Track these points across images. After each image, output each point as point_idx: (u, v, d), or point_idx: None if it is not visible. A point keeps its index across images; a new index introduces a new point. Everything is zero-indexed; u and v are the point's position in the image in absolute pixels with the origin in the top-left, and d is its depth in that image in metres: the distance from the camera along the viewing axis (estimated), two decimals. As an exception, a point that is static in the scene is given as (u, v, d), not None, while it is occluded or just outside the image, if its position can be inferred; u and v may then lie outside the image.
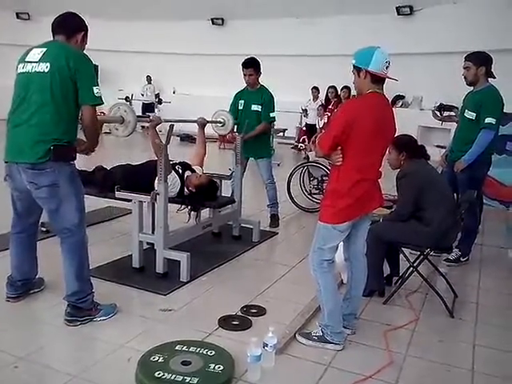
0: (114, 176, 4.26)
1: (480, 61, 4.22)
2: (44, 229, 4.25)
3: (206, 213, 4.66)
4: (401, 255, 3.77)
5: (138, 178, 4.10)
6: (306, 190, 6.66)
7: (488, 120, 4.12)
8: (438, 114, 8.74)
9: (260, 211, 5.56)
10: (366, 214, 2.96)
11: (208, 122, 4.92)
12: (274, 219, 5.53)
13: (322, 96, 11.93)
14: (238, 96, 5.49)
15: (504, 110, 4.35)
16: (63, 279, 3.09)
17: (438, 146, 8.73)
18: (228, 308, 3.34)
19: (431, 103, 12.46)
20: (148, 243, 4.04)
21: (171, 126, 3.65)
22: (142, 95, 15.81)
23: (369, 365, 2.76)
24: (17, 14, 16.62)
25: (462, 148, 4.32)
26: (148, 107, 15.60)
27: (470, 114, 4.25)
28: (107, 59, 15.45)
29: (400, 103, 13.04)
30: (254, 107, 5.32)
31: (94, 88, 2.87)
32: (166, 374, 2.46)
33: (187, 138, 12.91)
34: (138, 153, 9.62)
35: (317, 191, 6.52)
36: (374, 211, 3.09)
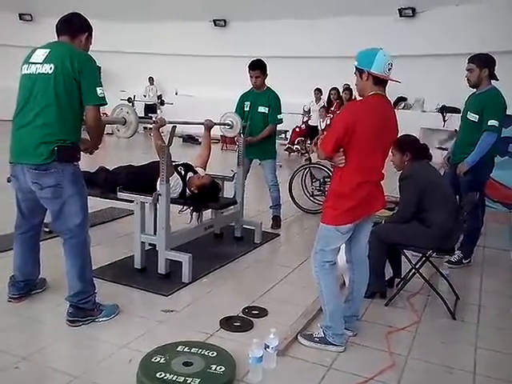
0: (117, 177, 4.27)
1: (483, 63, 4.21)
2: (47, 229, 4.26)
3: (208, 214, 4.66)
4: (402, 257, 3.77)
5: (141, 179, 4.10)
6: (307, 192, 6.66)
7: (491, 122, 4.11)
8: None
9: (262, 212, 5.56)
10: (368, 216, 2.96)
11: (215, 124, 4.90)
12: (276, 221, 5.53)
13: (324, 98, 11.93)
14: (244, 97, 5.45)
15: (507, 112, 4.35)
16: (65, 279, 3.10)
17: (439, 148, 8.73)
18: (230, 309, 3.34)
19: (433, 105, 12.49)
20: (150, 244, 4.04)
21: (173, 128, 3.66)
22: (145, 96, 15.84)
23: (370, 366, 2.76)
24: (20, 15, 16.66)
25: (464, 150, 4.31)
26: (150, 108, 15.62)
27: (473, 116, 4.24)
28: (110, 60, 15.46)
29: (402, 105, 13.04)
30: (261, 109, 5.29)
31: (98, 89, 2.88)
32: (167, 375, 2.45)
33: (189, 139, 12.93)
34: (140, 154, 9.65)
35: (319, 193, 6.51)
36: (376, 213, 3.09)
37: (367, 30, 11.79)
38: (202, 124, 4.86)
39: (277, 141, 5.84)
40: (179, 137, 12.67)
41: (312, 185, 6.59)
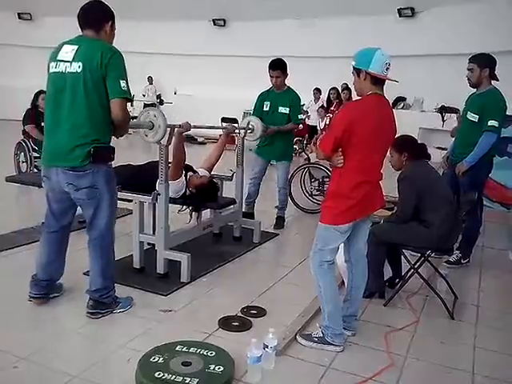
0: (117, 175, 4.25)
1: (484, 62, 4.21)
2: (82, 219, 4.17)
3: (207, 214, 4.66)
4: (402, 257, 3.77)
5: (140, 179, 4.10)
6: (306, 191, 6.66)
7: (491, 123, 4.11)
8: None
9: (261, 212, 5.56)
10: (367, 216, 2.96)
11: (236, 128, 4.88)
12: (280, 221, 5.54)
13: (323, 97, 11.93)
14: (264, 97, 5.39)
15: (506, 113, 4.35)
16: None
17: (438, 148, 8.73)
18: (228, 309, 3.34)
19: (432, 105, 12.49)
20: (149, 243, 4.03)
21: (172, 128, 3.65)
22: (144, 96, 15.82)
23: (369, 366, 2.76)
24: (19, 14, 16.64)
25: (463, 150, 4.31)
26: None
27: (473, 116, 4.24)
28: (109, 59, 15.46)
29: (401, 105, 13.04)
30: (282, 109, 5.24)
31: (121, 81, 2.84)
32: (166, 375, 2.45)
33: (190, 139, 12.92)
34: (139, 153, 9.64)
35: (318, 192, 6.52)
36: (374, 212, 3.09)
37: (366, 29, 11.79)
38: (224, 129, 4.82)
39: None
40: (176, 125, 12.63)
41: (311, 184, 6.59)
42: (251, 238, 4.89)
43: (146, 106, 15.65)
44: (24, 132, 6.52)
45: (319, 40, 13.24)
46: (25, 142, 6.52)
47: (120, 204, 4.14)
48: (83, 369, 2.59)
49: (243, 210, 5.13)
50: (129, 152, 10.41)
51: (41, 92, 6.49)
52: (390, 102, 3.05)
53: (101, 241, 3.11)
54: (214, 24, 15.72)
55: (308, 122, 11.99)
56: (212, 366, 2.55)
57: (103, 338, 2.97)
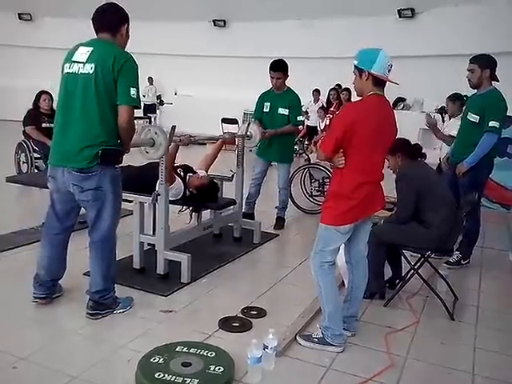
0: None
1: (485, 63, 4.21)
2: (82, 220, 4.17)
3: (207, 214, 4.66)
4: (402, 258, 3.77)
5: (140, 180, 4.09)
6: (307, 192, 6.67)
7: (492, 123, 4.11)
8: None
9: (261, 213, 5.56)
10: (367, 217, 2.96)
11: (236, 136, 4.87)
12: (280, 222, 5.54)
13: (322, 98, 11.93)
14: (264, 98, 5.38)
15: (507, 113, 4.35)
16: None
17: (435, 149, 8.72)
18: (228, 309, 3.34)
19: (432, 106, 12.49)
20: (149, 244, 4.04)
21: (173, 127, 3.65)
22: (144, 96, 15.80)
23: (369, 367, 2.76)
24: (19, 14, 16.65)
25: (464, 151, 4.31)
26: (149, 108, 15.63)
27: (473, 117, 4.24)
28: (109, 60, 15.46)
29: (401, 106, 13.04)
30: (281, 110, 5.23)
31: (131, 89, 2.85)
32: (166, 376, 2.45)
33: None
34: (139, 155, 9.63)
35: (318, 193, 6.52)
36: (375, 213, 3.09)
37: (366, 30, 11.78)
38: (223, 138, 4.83)
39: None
40: (178, 136, 12.64)
41: (311, 185, 6.59)
42: (251, 239, 4.89)
43: (146, 106, 15.71)
44: (24, 133, 6.52)
45: (319, 41, 13.25)
46: (25, 143, 6.52)
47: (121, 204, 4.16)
48: (83, 369, 2.59)
49: (243, 210, 5.13)
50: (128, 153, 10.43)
51: (42, 92, 6.49)
52: (391, 102, 3.04)
53: (103, 243, 3.10)
54: (215, 25, 15.72)
55: (308, 122, 11.99)
56: (212, 367, 2.55)
57: (103, 339, 2.97)
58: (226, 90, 14.48)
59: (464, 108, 4.53)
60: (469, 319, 3.51)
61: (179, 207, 4.24)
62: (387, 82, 2.79)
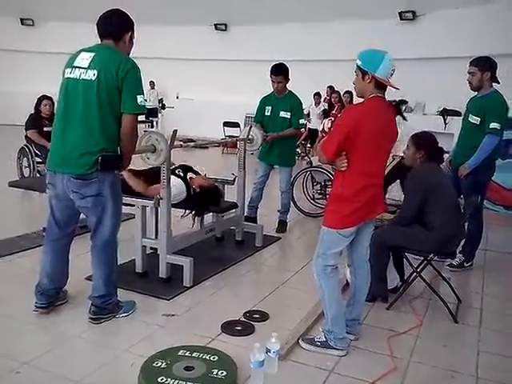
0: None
1: (485, 66, 4.21)
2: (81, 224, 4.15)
3: (209, 218, 4.66)
4: (404, 260, 3.76)
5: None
6: (308, 195, 6.67)
7: (493, 125, 4.11)
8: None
9: (263, 216, 5.56)
10: (370, 220, 2.95)
11: (237, 140, 4.87)
12: (282, 225, 5.54)
13: (323, 101, 11.96)
14: (266, 101, 5.39)
15: (508, 115, 4.34)
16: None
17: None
18: (231, 313, 3.34)
19: (434, 108, 12.50)
20: (151, 248, 4.04)
21: (175, 131, 3.66)
22: (146, 100, 15.85)
23: (372, 371, 2.75)
24: (21, 19, 16.71)
25: (465, 153, 4.31)
26: (151, 112, 15.65)
27: (474, 119, 4.24)
28: (111, 64, 15.49)
29: (403, 108, 13.00)
30: (283, 114, 5.24)
31: (139, 97, 2.85)
32: (168, 380, 2.45)
33: (189, 142, 12.96)
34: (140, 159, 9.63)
35: (320, 196, 6.52)
36: (377, 216, 3.09)
37: (368, 33, 11.78)
38: (222, 142, 4.81)
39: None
40: (179, 140, 12.68)
41: (313, 188, 6.59)
42: (253, 242, 4.89)
43: (148, 110, 15.74)
44: (26, 137, 6.54)
45: (321, 44, 13.26)
46: (27, 147, 6.54)
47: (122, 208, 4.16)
48: (86, 374, 2.59)
49: (246, 214, 5.13)
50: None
51: (43, 97, 6.51)
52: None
53: (105, 248, 3.10)
54: (216, 28, 15.76)
55: (309, 125, 12.01)
56: (215, 371, 2.54)
57: (106, 343, 2.97)
58: (228, 93, 14.51)
59: (465, 110, 4.52)
60: (472, 322, 3.50)
61: (181, 211, 4.23)
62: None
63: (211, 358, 2.66)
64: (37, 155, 6.47)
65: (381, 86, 2.76)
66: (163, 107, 15.98)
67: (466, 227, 3.99)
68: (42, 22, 16.58)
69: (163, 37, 15.22)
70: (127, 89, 2.82)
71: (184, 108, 15.52)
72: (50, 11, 15.44)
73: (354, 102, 8.64)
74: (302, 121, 5.37)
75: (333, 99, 11.21)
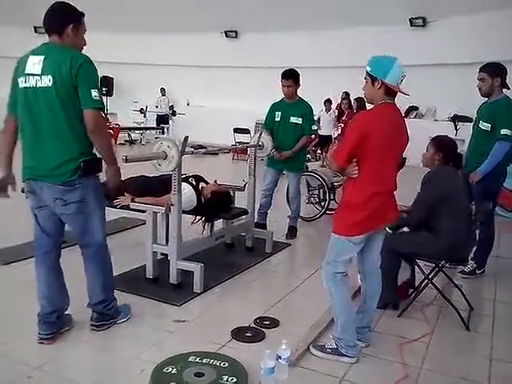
0: (128, 187, 4.29)
1: (496, 72, 4.19)
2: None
3: (219, 224, 4.66)
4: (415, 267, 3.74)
5: (153, 190, 4.13)
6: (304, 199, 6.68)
7: (504, 131, 4.08)
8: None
9: (273, 222, 5.56)
10: (381, 227, 2.93)
11: (248, 146, 4.88)
12: (293, 231, 5.53)
13: (334, 107, 11.95)
14: (275, 107, 5.39)
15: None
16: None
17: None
18: (241, 319, 3.34)
19: (445, 114, 12.46)
20: (162, 254, 4.05)
21: (186, 138, 3.68)
22: (157, 107, 15.99)
23: (383, 378, 2.74)
24: (35, 28, 16.90)
25: (476, 159, 4.28)
26: (162, 119, 15.80)
27: (485, 125, 4.22)
28: (123, 72, 15.65)
29: (414, 114, 13.01)
30: (293, 119, 5.24)
31: (92, 91, 2.67)
32: (179, 386, 2.45)
33: (200, 149, 13.01)
34: (149, 165, 9.68)
35: (315, 201, 6.58)
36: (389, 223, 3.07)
37: (378, 39, 11.80)
38: (229, 148, 4.82)
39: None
40: (190, 146, 12.74)
41: (308, 193, 6.60)
42: (263, 248, 4.89)
43: (158, 117, 15.86)
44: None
45: (331, 50, 13.31)
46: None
47: (132, 214, 4.18)
48: (96, 379, 2.61)
49: (256, 220, 5.13)
50: (141, 163, 10.50)
51: None
52: (403, 111, 3.04)
53: (97, 254, 3.03)
54: (226, 36, 15.87)
55: (320, 132, 12.02)
56: (225, 377, 2.54)
57: (116, 349, 2.98)
58: (238, 100, 14.57)
59: (475, 116, 4.50)
60: (484, 329, 3.47)
61: (192, 217, 4.25)
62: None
63: (221, 365, 2.66)
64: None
65: (391, 92, 2.75)
66: (174, 114, 16.09)
67: (477, 234, 3.96)
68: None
69: (174, 44, 15.37)
70: (82, 83, 2.66)
71: (195, 115, 15.61)
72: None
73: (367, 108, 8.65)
74: (313, 126, 5.38)
75: (343, 105, 11.21)
